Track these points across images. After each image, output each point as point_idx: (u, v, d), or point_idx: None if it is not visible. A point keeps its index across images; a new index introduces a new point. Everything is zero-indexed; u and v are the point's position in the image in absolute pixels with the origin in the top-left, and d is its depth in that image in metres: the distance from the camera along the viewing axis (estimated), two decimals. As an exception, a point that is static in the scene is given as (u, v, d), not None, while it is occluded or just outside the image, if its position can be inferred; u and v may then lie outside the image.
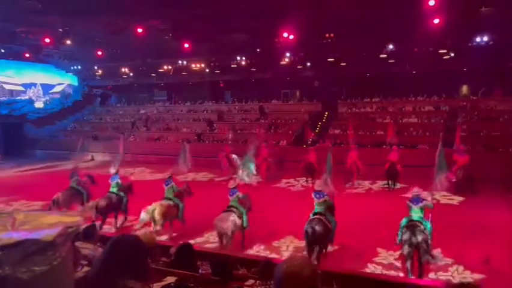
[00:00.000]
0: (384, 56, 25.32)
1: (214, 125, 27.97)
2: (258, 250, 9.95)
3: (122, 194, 11.76)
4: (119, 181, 11.99)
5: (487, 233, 10.46)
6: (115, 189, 11.73)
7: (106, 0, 19.28)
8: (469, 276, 8.10)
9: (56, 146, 29.70)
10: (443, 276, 8.25)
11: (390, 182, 16.16)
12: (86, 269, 3.77)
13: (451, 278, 8.06)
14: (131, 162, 24.46)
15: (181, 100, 33.53)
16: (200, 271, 4.50)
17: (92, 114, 35.51)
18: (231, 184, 10.27)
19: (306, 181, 17.80)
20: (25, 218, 1.27)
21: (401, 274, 8.25)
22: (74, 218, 1.24)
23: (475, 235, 10.31)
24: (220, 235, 9.36)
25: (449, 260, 8.86)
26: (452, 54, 23.57)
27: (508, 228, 10.81)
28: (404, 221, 8.18)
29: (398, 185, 16.31)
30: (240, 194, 10.05)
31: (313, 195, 9.32)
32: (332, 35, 24.27)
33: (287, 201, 14.69)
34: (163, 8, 21.26)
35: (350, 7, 19.99)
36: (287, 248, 10.24)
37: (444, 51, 23.88)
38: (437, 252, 8.85)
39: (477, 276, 8.11)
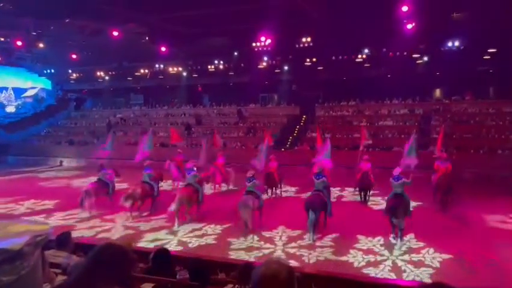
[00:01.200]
0: (360, 60, 25.75)
1: (192, 129, 27.81)
2: (251, 241, 10.63)
3: (153, 183, 13.54)
4: (151, 172, 13.74)
5: (453, 227, 11.28)
6: (147, 179, 13.51)
7: (80, 3, 18.93)
8: (439, 257, 9.18)
9: (29, 152, 28.93)
10: (415, 257, 9.31)
11: (362, 194, 14.39)
12: (60, 277, 3.68)
13: (423, 259, 9.19)
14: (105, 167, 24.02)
15: (158, 104, 33.20)
16: (178, 276, 4.46)
17: (67, 119, 34.72)
18: (249, 173, 12.23)
19: (266, 193, 15.24)
20: (-8, 227, 1.23)
21: (379, 258, 9.33)
22: (43, 226, 1.20)
23: (443, 228, 11.27)
24: (243, 214, 11.28)
25: (421, 243, 10.07)
26: (426, 59, 24.18)
27: (473, 223, 11.61)
28: (390, 195, 10.77)
29: (371, 192, 14.72)
30: (257, 182, 12.08)
31: (313, 177, 11.66)
32: (308, 39, 24.51)
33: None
34: (139, 11, 21.04)
35: (326, 12, 20.31)
36: (280, 238, 10.93)
37: (418, 55, 24.47)
38: (409, 236, 10.49)
39: (446, 256, 9.17)
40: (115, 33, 23.26)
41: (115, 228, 11.98)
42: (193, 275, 4.46)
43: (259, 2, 18.49)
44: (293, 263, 9.36)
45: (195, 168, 13.47)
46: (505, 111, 22.07)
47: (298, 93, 29.41)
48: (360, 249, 9.94)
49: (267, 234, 11.26)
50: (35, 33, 24.69)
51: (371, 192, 14.67)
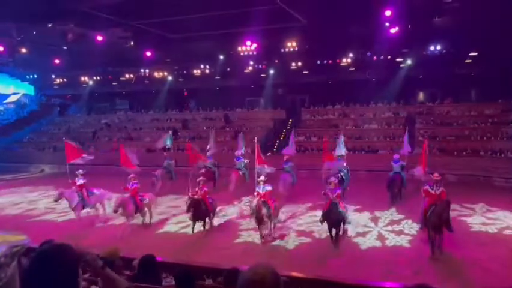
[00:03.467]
0: (345, 64, 25.93)
1: (179, 133, 27.67)
2: None
3: (215, 169, 17.98)
4: (213, 160, 18.29)
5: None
6: (210, 165, 17.69)
7: (63, 7, 18.70)
8: (416, 226, 10.95)
9: (12, 158, 28.38)
10: (396, 228, 11.33)
11: (333, 232, 10.37)
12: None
13: (402, 229, 11.18)
14: (91, 173, 23.69)
15: (143, 109, 32.87)
16: (164, 283, 4.42)
17: (51, 125, 34.17)
18: (285, 158, 16.15)
19: (192, 229, 11.54)
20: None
21: (367, 229, 11.30)
22: (19, 237, 1.17)
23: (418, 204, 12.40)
24: (282, 187, 14.62)
25: (401, 216, 12.43)
26: (409, 62, 24.48)
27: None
28: (391, 173, 14.64)
29: (346, 227, 11.02)
30: (292, 164, 16.02)
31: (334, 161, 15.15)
32: (294, 43, 24.65)
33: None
34: (124, 16, 20.87)
35: (311, 16, 20.45)
36: (286, 215, 12.51)
37: (401, 59, 24.77)
38: (392, 210, 13.11)
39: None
40: (99, 38, 23.04)
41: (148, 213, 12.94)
42: (180, 281, 4.42)
43: (244, 6, 18.52)
44: (305, 239, 10.60)
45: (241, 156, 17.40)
46: (487, 114, 22.50)
47: (285, 97, 29.51)
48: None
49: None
50: (17, 38, 24.28)
51: (346, 226, 10.97)
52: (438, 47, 23.17)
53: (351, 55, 25.47)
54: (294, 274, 5.98)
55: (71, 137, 30.54)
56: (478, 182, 17.93)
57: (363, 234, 10.97)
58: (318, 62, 26.30)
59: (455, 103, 24.14)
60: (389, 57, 24.65)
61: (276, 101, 29.19)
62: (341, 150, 15.72)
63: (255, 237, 10.78)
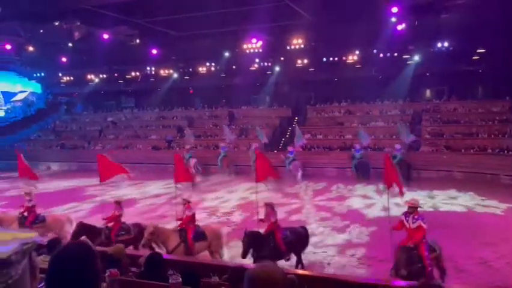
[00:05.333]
0: (351, 61, 25.79)
1: (185, 131, 27.72)
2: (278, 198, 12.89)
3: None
4: (228, 149, 22.28)
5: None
6: (224, 153, 21.45)
7: (69, 6, 18.79)
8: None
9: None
10: (398, 200, 11.14)
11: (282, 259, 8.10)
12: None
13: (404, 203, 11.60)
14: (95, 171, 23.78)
15: (149, 107, 32.92)
16: (170, 281, 4.43)
17: (57, 123, 34.38)
18: (289, 149, 19.90)
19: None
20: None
21: (372, 201, 12.93)
22: (30, 234, 1.18)
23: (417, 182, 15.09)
24: (295, 172, 18.00)
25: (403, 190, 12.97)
26: (416, 59, 24.30)
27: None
28: (396, 160, 15.46)
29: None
30: (294, 150, 19.62)
31: (353, 151, 19.04)
32: (299, 40, 24.57)
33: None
34: (130, 14, 20.93)
35: (317, 14, 20.38)
36: (306, 193, 14.05)
37: (408, 56, 24.61)
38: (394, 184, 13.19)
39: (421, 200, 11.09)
40: (106, 36, 23.13)
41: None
42: (186, 278, 4.44)
43: (249, 4, 18.50)
44: (324, 214, 11.77)
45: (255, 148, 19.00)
46: (494, 111, 22.31)
47: (290, 94, 29.43)
48: (358, 196, 13.93)
49: (292, 190, 13.88)
50: (24, 37, 24.46)
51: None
52: (446, 44, 22.99)
53: (357, 52, 25.33)
54: (301, 272, 5.99)
55: (60, 138, 30.82)
56: (484, 179, 17.81)
57: (369, 205, 12.52)
58: (324, 59, 26.19)
59: (462, 100, 23.93)
60: (395, 54, 24.51)
61: (281, 98, 29.12)
62: (366, 140, 19.88)
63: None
